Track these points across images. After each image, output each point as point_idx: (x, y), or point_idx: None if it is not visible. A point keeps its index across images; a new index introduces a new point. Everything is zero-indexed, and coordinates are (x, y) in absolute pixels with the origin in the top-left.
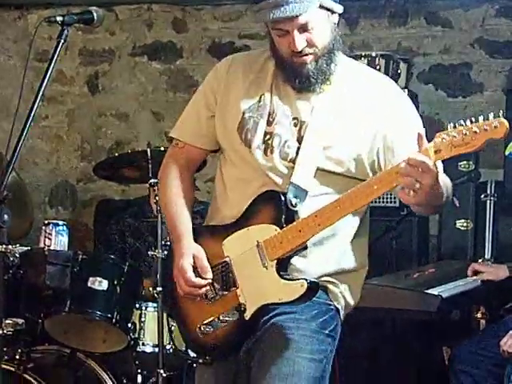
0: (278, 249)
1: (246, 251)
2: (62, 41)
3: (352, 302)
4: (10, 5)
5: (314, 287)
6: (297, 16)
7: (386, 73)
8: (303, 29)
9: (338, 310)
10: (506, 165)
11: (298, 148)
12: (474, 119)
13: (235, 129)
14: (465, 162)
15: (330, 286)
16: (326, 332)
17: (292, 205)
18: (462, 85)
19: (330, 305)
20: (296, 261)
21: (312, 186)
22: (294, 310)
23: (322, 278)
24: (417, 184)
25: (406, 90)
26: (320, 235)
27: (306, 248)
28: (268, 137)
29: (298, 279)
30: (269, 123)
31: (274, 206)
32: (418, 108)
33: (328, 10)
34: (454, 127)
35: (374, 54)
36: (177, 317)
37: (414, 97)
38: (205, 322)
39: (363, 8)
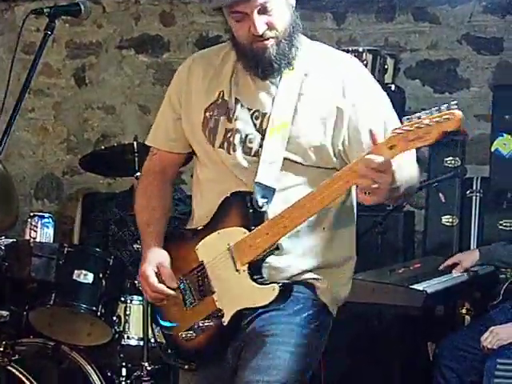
0: (247, 253)
1: (218, 255)
2: (49, 33)
3: (342, 295)
4: None
5: (285, 290)
6: None
7: (373, 68)
8: (263, 11)
9: (325, 305)
10: (492, 161)
11: (262, 141)
12: (428, 111)
13: (200, 129)
14: (451, 158)
15: (316, 282)
16: (311, 326)
17: (259, 206)
18: (448, 81)
19: (316, 300)
20: (272, 258)
21: (281, 178)
22: (278, 307)
23: (305, 275)
24: (374, 184)
25: (393, 86)
26: (296, 228)
27: (277, 249)
28: (229, 134)
29: (270, 283)
30: (229, 120)
31: (241, 208)
32: (404, 103)
33: None
34: (408, 120)
35: (361, 50)
36: (159, 324)
37: (400, 92)
38: (185, 328)
39: (351, 3)
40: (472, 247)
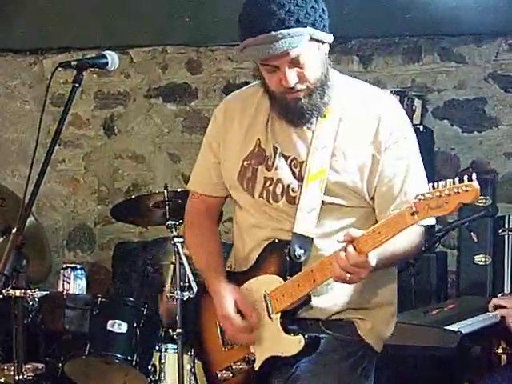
0: (280, 301)
1: (255, 301)
2: (77, 85)
3: (387, 334)
4: (26, 50)
5: (312, 343)
6: (287, 52)
7: None
8: (294, 64)
9: (369, 346)
10: None
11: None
12: (449, 181)
13: (235, 178)
14: (482, 197)
15: (359, 322)
16: (358, 372)
17: (296, 256)
18: (476, 120)
19: (361, 341)
20: (316, 298)
21: (323, 224)
22: (323, 352)
23: (348, 314)
24: (347, 275)
25: (422, 127)
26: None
27: (309, 301)
28: (269, 183)
29: (298, 334)
30: (268, 168)
31: (280, 257)
32: (433, 144)
33: (318, 41)
34: (433, 188)
35: (388, 92)
36: (201, 360)
37: (429, 133)
38: (221, 368)
39: (377, 45)
40: (506, 286)
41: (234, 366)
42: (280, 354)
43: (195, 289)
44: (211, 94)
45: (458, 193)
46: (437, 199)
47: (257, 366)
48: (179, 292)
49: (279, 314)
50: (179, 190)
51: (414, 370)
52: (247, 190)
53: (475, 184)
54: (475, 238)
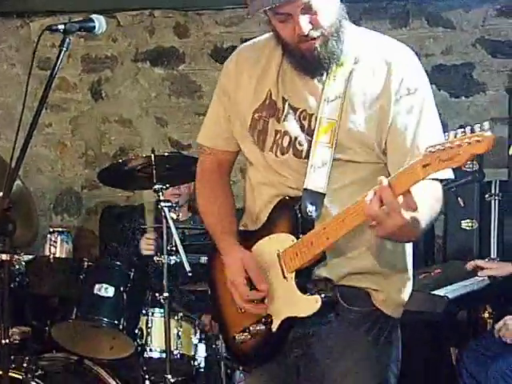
0: (294, 260)
1: (269, 260)
2: (65, 49)
3: (403, 300)
4: (12, 13)
5: (329, 302)
6: None
7: None
8: (306, 10)
9: (388, 316)
10: (510, 164)
11: (310, 143)
12: (460, 131)
13: (247, 130)
14: (468, 162)
15: (374, 293)
16: (381, 343)
17: (307, 213)
18: (464, 85)
19: (378, 311)
20: (329, 257)
21: (333, 180)
22: (344, 324)
23: (362, 284)
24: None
25: None
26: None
27: (325, 258)
28: (279, 136)
29: (314, 293)
30: (278, 120)
31: (290, 214)
32: None
33: None
34: (446, 137)
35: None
36: (218, 322)
37: None
38: (238, 331)
39: (364, 10)
40: (492, 250)
41: (251, 328)
42: (296, 314)
43: (182, 253)
44: (198, 58)
45: (470, 143)
46: (448, 151)
47: (274, 328)
48: (166, 256)
49: (294, 274)
50: (166, 153)
51: (400, 333)
52: (258, 143)
53: (488, 134)
54: (462, 203)
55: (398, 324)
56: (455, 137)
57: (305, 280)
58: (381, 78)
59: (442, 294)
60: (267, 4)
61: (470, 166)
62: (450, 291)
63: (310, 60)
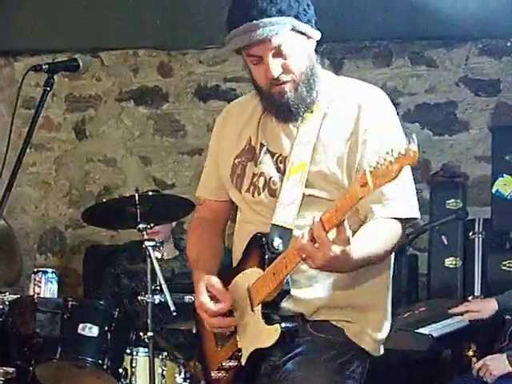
0: (260, 293)
1: (242, 295)
2: (48, 89)
3: (380, 337)
4: None
5: (289, 332)
6: (269, 39)
7: None
8: (277, 53)
9: (360, 349)
10: (494, 202)
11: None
12: (391, 149)
13: (228, 176)
14: (452, 201)
15: (347, 325)
16: (346, 373)
17: (274, 247)
18: (447, 123)
19: (350, 344)
20: (298, 290)
21: (304, 216)
22: (309, 352)
23: (336, 316)
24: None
25: None
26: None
27: (288, 293)
28: (256, 178)
29: (275, 323)
30: (256, 164)
31: (260, 249)
32: None
33: (303, 34)
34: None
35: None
36: (201, 364)
37: None
38: (215, 368)
39: (348, 49)
40: (476, 288)
41: (224, 364)
42: (261, 345)
43: (167, 293)
44: (182, 98)
45: (398, 158)
46: (382, 168)
47: (243, 361)
48: (150, 296)
49: (260, 306)
50: (150, 193)
51: (385, 373)
52: (236, 185)
53: (412, 147)
54: (445, 241)
55: (367, 363)
56: (387, 153)
57: (270, 312)
58: (351, 120)
59: (426, 333)
60: (240, 44)
61: (454, 204)
62: (434, 329)
63: (280, 104)
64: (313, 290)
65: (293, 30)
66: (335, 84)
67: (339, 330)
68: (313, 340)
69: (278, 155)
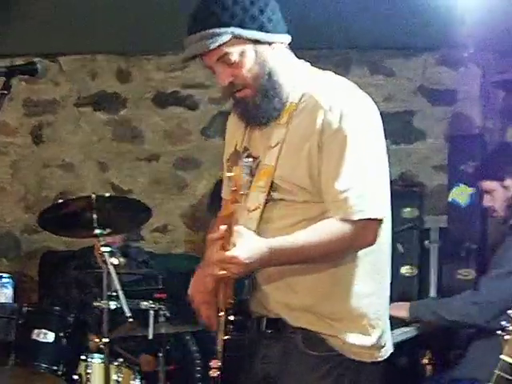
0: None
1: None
2: (6, 92)
3: (368, 344)
4: None
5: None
6: (210, 51)
7: None
8: (226, 62)
9: (351, 359)
10: (450, 211)
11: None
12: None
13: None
14: (409, 209)
15: (331, 340)
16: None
17: None
18: (405, 132)
19: (340, 355)
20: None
21: (271, 220)
22: (303, 371)
23: (317, 328)
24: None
25: None
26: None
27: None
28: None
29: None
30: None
31: None
32: None
33: (251, 40)
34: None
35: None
36: None
37: None
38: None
39: (306, 57)
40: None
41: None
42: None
43: (122, 298)
44: (141, 103)
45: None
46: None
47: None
48: (106, 302)
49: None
50: (107, 194)
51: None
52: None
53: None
54: (401, 250)
55: (364, 369)
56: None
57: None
58: (314, 123)
59: None
60: (185, 56)
61: (410, 212)
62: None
63: (245, 110)
64: (287, 292)
65: (239, 38)
66: (311, 82)
67: (323, 342)
68: (303, 357)
69: (255, 157)
